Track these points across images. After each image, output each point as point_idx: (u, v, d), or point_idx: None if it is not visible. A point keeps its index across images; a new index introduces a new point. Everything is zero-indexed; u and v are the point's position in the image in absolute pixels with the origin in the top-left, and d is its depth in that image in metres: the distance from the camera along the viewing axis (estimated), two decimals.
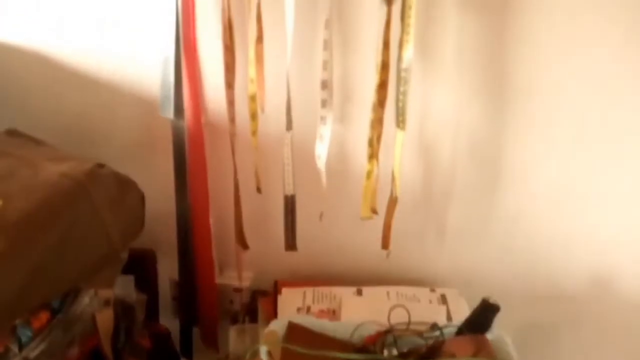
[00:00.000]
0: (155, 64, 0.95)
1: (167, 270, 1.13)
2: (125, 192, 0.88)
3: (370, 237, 1.01)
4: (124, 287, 0.96)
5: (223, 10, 0.89)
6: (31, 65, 1.03)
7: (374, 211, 0.98)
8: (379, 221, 0.99)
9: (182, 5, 0.90)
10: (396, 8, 0.83)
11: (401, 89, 0.86)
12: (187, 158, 1.00)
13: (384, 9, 0.84)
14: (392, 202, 0.96)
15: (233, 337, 1.09)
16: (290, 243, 1.00)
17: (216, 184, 1.06)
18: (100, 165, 0.85)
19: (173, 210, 1.04)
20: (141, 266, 1.03)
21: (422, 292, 1.04)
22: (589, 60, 0.90)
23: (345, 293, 1.03)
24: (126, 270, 0.94)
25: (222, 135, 0.99)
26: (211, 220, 1.07)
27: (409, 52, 0.84)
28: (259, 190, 1.00)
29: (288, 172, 0.95)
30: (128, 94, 1.03)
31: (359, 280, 1.07)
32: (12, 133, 0.95)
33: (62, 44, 1.01)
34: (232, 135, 0.97)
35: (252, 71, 0.91)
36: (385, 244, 1.00)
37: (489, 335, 0.81)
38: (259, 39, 0.89)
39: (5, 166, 0.81)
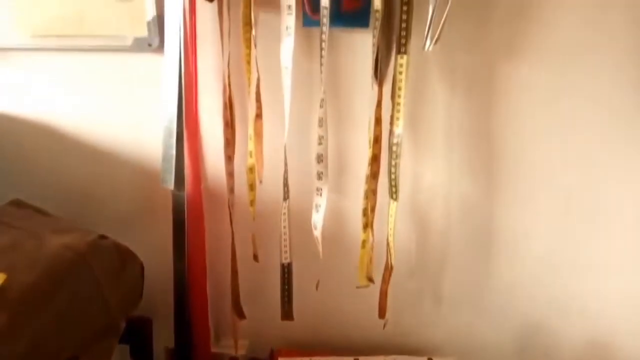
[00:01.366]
0: (157, 136, 0.97)
1: (163, 337, 1.11)
2: (126, 263, 0.89)
3: (366, 306, 1.02)
4: (119, 355, 0.96)
5: (224, 88, 0.93)
6: (35, 135, 1.06)
7: (371, 279, 0.99)
8: (375, 290, 1.00)
9: (186, 82, 0.94)
10: (387, 88, 0.88)
11: (393, 162, 0.90)
12: (186, 227, 1.02)
13: (376, 89, 0.88)
14: (388, 270, 0.97)
15: None
16: (287, 312, 1.00)
17: (214, 252, 1.07)
18: (102, 237, 0.86)
19: (170, 278, 1.05)
20: (137, 334, 1.03)
21: None
22: (573, 132, 0.94)
23: None
24: (122, 339, 0.93)
25: (221, 205, 1.01)
26: (208, 288, 1.08)
27: (399, 128, 0.88)
28: (256, 258, 1.01)
29: (285, 241, 0.96)
30: (130, 163, 1.06)
31: (356, 349, 1.07)
32: (17, 204, 0.97)
33: (65, 114, 1.05)
34: (231, 205, 0.99)
35: (251, 145, 0.95)
36: (381, 314, 1.00)
37: None
38: (258, 116, 0.93)
39: (10, 239, 0.83)
